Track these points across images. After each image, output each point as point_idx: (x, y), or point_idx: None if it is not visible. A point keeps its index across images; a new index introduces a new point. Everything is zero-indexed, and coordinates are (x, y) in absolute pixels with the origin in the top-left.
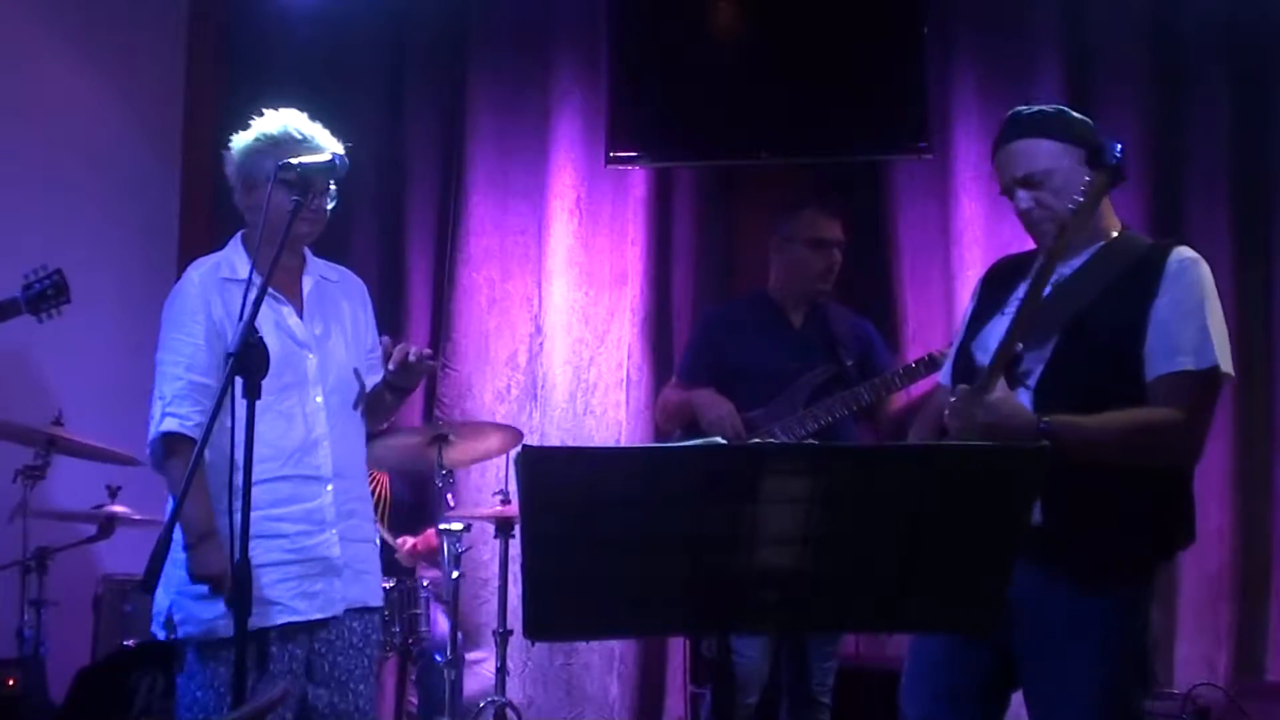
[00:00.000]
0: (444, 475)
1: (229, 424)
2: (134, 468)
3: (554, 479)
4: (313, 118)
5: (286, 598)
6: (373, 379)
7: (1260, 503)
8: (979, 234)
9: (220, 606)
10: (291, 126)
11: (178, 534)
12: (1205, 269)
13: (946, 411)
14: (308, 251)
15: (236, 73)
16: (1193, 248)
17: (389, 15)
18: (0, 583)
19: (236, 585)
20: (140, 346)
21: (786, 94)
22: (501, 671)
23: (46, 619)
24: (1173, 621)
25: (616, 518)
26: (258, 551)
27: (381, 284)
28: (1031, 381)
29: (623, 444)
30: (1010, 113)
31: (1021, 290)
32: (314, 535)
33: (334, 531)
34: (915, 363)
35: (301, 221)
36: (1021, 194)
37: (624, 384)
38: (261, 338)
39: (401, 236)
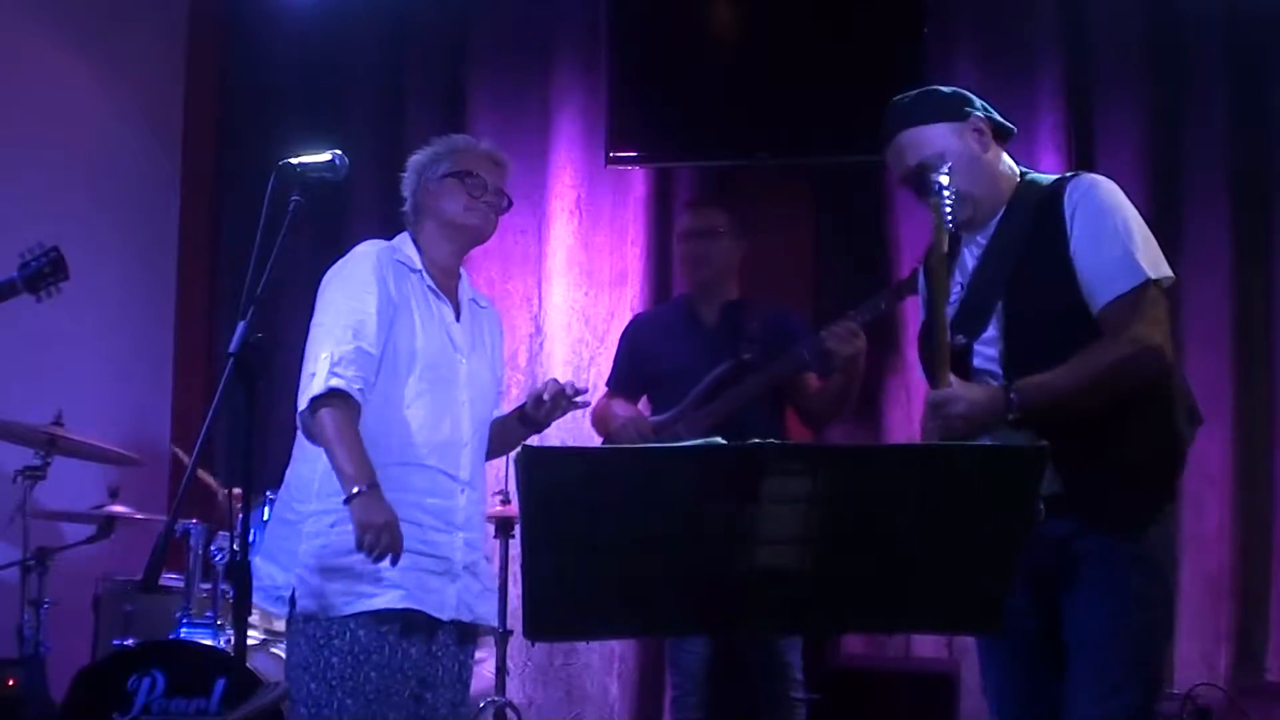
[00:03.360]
0: None
1: (385, 404)
2: (134, 468)
3: (554, 479)
4: (313, 118)
5: (410, 586)
6: (495, 411)
7: (1260, 502)
8: None
9: (341, 585)
10: (467, 142)
11: (302, 506)
12: (1104, 185)
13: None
14: (465, 274)
15: (236, 73)
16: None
17: (389, 15)
18: (0, 583)
19: (237, 584)
20: (140, 347)
21: (786, 94)
22: (501, 671)
23: (46, 619)
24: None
25: (616, 518)
26: None
27: None
28: (995, 367)
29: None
30: (889, 105)
31: (960, 276)
32: (442, 533)
33: (461, 537)
34: (798, 353)
35: (473, 213)
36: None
37: None
38: (261, 336)
39: None
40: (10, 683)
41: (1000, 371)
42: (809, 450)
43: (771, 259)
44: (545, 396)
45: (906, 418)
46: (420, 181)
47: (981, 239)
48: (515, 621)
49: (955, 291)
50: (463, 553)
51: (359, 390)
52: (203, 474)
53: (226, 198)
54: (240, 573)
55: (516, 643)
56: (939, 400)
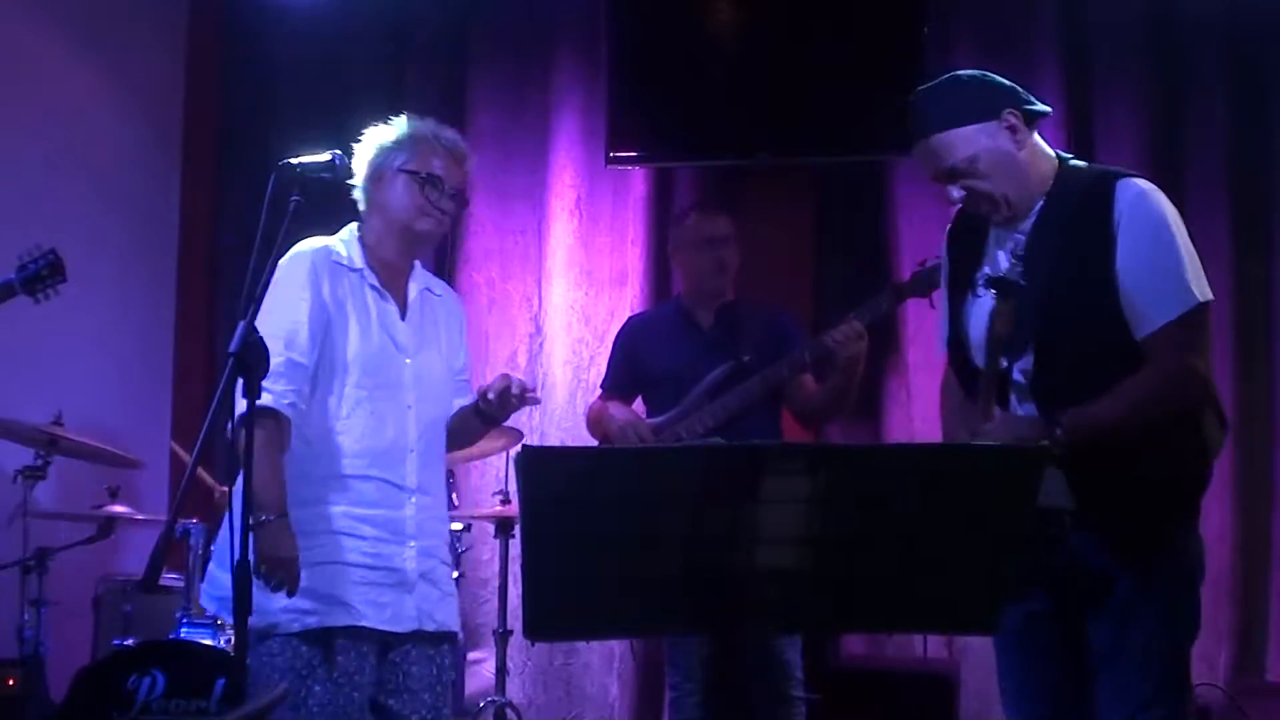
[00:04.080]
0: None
1: (323, 414)
2: (134, 468)
3: (554, 479)
4: (313, 118)
5: (356, 601)
6: (458, 401)
7: (1260, 503)
8: None
9: (283, 598)
10: (425, 128)
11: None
12: (1154, 198)
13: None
14: (417, 262)
15: (237, 73)
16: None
17: (389, 15)
18: (0, 583)
19: (237, 586)
20: (140, 347)
21: (786, 94)
22: (501, 671)
23: (46, 619)
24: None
25: (616, 517)
26: (333, 548)
27: None
28: (1023, 380)
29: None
30: (909, 105)
31: (990, 272)
32: (391, 544)
33: (413, 546)
34: (798, 355)
35: (425, 217)
36: (952, 188)
37: None
38: (261, 337)
39: None
40: (10, 683)
41: (1026, 384)
42: (809, 450)
43: (771, 259)
44: (490, 395)
45: (906, 418)
46: (375, 167)
47: (1020, 235)
48: (515, 621)
49: (983, 289)
50: (416, 562)
51: (289, 404)
52: (200, 472)
53: (226, 198)
54: (240, 573)
55: (516, 643)
56: (980, 433)
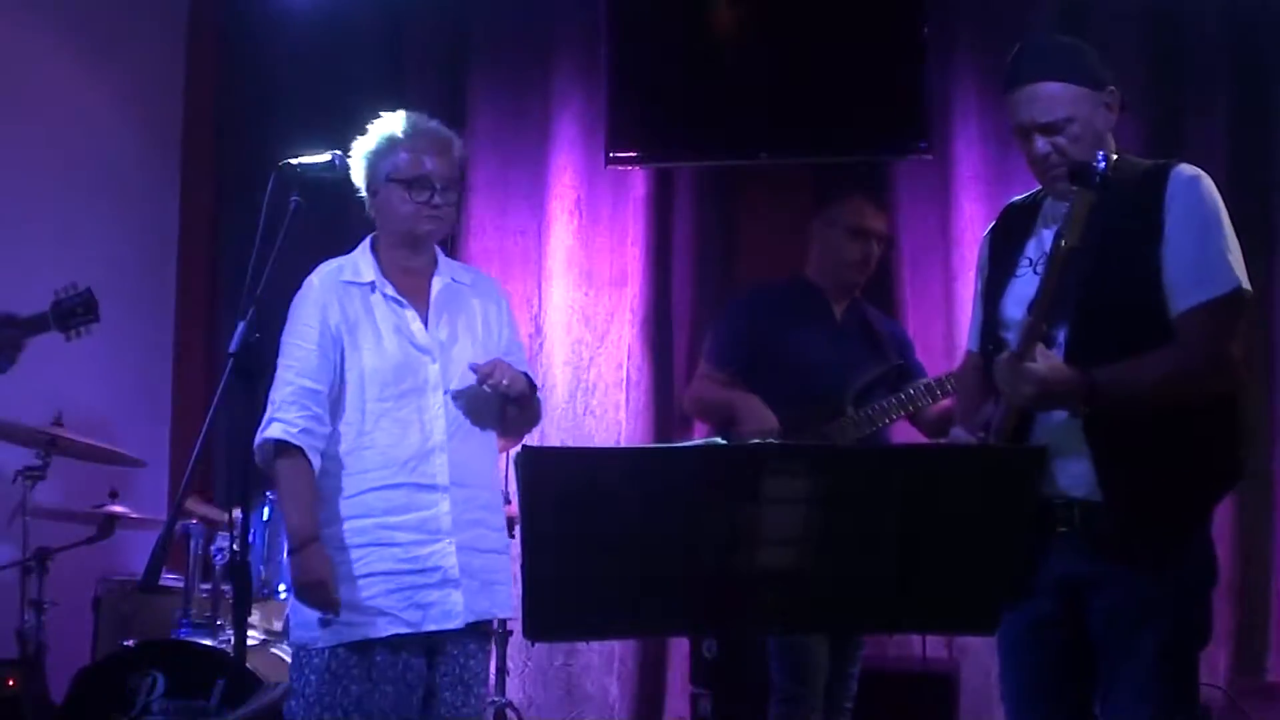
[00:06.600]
0: None
1: (349, 432)
2: (134, 468)
3: (554, 479)
4: (312, 118)
5: (398, 608)
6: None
7: (1260, 503)
8: (979, 234)
9: (338, 614)
10: (402, 127)
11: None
12: (1206, 184)
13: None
14: (440, 253)
15: (236, 73)
16: None
17: (389, 16)
18: (0, 583)
19: (237, 587)
20: (140, 347)
21: (786, 94)
22: (501, 671)
23: (46, 619)
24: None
25: (616, 518)
26: (369, 559)
27: None
28: (1059, 349)
29: (623, 444)
30: (1025, 45)
31: (1032, 254)
32: (427, 545)
33: (450, 542)
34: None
35: (424, 220)
36: (1040, 140)
37: (624, 384)
38: (260, 336)
39: None
40: (10, 683)
41: (1060, 354)
42: (809, 450)
43: (772, 259)
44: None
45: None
46: (369, 181)
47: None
48: (515, 621)
49: (1025, 267)
50: (457, 558)
51: (303, 430)
52: (202, 507)
53: (226, 198)
54: (240, 573)
55: (516, 643)
56: (1028, 371)
